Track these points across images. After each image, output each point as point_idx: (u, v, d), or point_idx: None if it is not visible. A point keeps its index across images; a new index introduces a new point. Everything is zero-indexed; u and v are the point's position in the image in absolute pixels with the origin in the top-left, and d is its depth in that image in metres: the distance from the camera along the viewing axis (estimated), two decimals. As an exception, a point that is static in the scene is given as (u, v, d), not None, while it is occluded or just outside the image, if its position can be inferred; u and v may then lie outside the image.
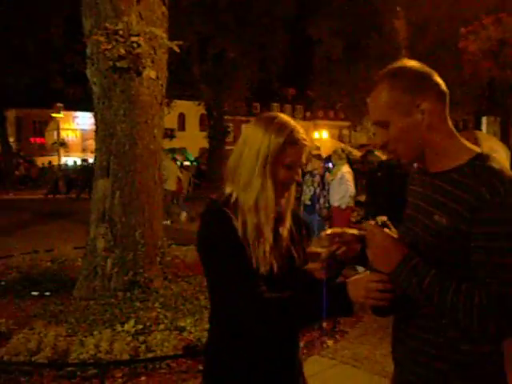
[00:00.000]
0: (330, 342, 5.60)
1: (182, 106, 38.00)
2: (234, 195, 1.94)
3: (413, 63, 1.80)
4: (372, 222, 1.79)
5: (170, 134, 39.72)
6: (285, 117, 1.97)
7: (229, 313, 1.93)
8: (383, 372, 4.84)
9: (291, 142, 1.90)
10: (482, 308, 1.57)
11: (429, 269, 1.66)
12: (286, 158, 1.90)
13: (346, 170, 9.03)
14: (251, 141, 1.92)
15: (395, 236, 1.77)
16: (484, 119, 30.70)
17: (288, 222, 2.04)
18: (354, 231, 1.98)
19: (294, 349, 2.08)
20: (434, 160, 1.78)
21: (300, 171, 1.97)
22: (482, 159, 1.70)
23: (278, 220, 2.01)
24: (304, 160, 1.96)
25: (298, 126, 1.95)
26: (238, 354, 1.96)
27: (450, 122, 1.79)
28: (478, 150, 1.75)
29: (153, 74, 6.84)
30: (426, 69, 1.78)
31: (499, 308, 1.56)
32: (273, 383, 1.99)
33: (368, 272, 1.78)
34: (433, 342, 1.75)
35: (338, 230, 1.99)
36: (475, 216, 1.61)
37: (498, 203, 1.58)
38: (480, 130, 25.28)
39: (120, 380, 4.60)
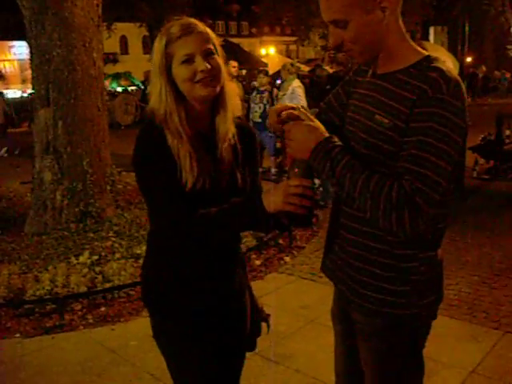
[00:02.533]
0: (287, 259, 5.67)
1: (123, 28, 36.48)
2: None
3: None
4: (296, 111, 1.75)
5: (112, 59, 38.48)
6: (178, 19, 1.83)
7: (158, 229, 1.91)
8: (341, 284, 4.94)
9: (178, 36, 1.76)
10: (388, 201, 1.53)
11: (344, 154, 1.62)
12: (179, 53, 1.76)
13: (296, 84, 8.89)
14: (152, 51, 1.83)
15: (316, 124, 1.71)
16: (431, 29, 30.57)
17: (226, 134, 1.89)
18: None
19: (231, 265, 2.04)
20: (384, 62, 1.71)
21: (205, 61, 1.77)
22: (429, 61, 1.64)
23: (214, 129, 1.89)
24: (208, 47, 1.79)
25: (189, 20, 1.81)
26: (172, 270, 1.92)
27: (402, 24, 1.70)
28: (426, 53, 1.69)
29: (87, -6, 6.44)
30: None
31: (405, 204, 1.51)
32: (213, 298, 1.95)
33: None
34: (368, 247, 1.73)
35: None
36: (414, 111, 1.56)
37: (439, 99, 1.53)
38: (428, 40, 25.19)
39: (79, 312, 4.56)
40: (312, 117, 1.75)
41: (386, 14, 1.63)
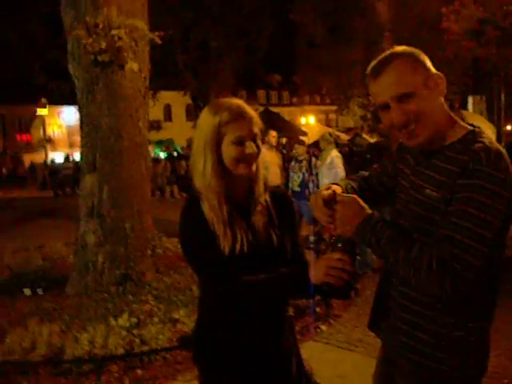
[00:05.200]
0: (323, 327, 5.64)
1: (167, 96, 37.75)
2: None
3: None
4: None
5: (156, 126, 39.55)
6: (227, 98, 2.02)
7: (206, 295, 2.09)
8: (377, 354, 4.87)
9: (231, 118, 1.93)
10: (430, 267, 1.60)
11: (386, 228, 1.73)
12: (231, 135, 1.93)
13: (334, 154, 9.00)
14: (197, 126, 2.01)
15: (361, 202, 1.81)
16: (470, 98, 30.67)
17: (258, 200, 2.06)
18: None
19: (279, 328, 2.11)
20: (434, 138, 1.79)
21: (254, 144, 1.96)
22: (473, 136, 1.74)
23: (250, 198, 2.05)
24: (256, 131, 1.97)
25: (239, 103, 1.99)
26: (222, 335, 2.03)
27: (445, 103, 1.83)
28: (471, 128, 1.79)
29: (135, 67, 6.78)
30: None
31: (446, 268, 1.59)
32: (261, 363, 2.03)
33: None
34: (419, 313, 1.81)
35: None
36: (457, 183, 1.66)
37: (479, 171, 1.62)
38: (466, 109, 25.29)
39: (116, 374, 4.60)
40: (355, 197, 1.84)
41: (440, 90, 1.76)
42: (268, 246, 2.02)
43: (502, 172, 1.63)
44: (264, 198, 2.09)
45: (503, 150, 1.68)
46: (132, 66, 6.73)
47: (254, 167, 2.01)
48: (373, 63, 1.80)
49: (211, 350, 2.08)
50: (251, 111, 2.00)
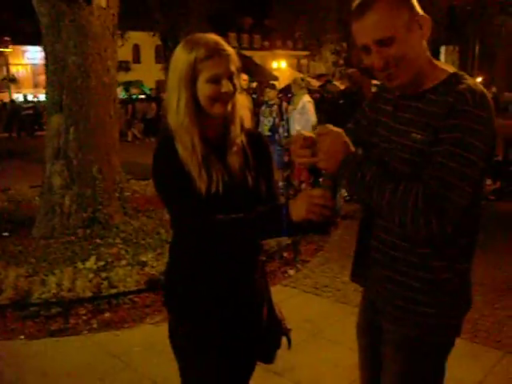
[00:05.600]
0: (291, 272, 5.69)
1: (136, 37, 36.87)
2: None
3: None
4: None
5: (124, 67, 38.67)
6: (203, 34, 1.94)
7: (180, 236, 2.04)
8: (344, 299, 4.96)
9: (208, 55, 1.85)
10: (416, 205, 1.60)
11: (372, 164, 1.72)
12: (206, 73, 1.86)
13: (306, 99, 8.94)
14: (171, 64, 1.93)
15: (346, 138, 1.78)
16: (443, 48, 30.62)
17: (234, 141, 2.01)
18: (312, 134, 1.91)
19: (251, 271, 2.11)
20: (415, 82, 1.77)
21: (230, 83, 1.89)
22: (456, 78, 1.73)
23: (225, 139, 2.01)
24: (233, 70, 1.90)
25: (217, 39, 1.92)
26: (194, 277, 2.01)
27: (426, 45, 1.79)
28: (452, 69, 1.78)
29: (103, 3, 6.54)
30: None
31: (432, 207, 1.59)
32: (234, 306, 2.03)
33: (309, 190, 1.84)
34: (404, 260, 1.81)
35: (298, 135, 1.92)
36: (442, 124, 1.65)
37: (465, 111, 1.62)
38: (438, 59, 25.25)
39: (84, 317, 4.60)
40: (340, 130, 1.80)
41: (424, 32, 1.71)
42: (243, 187, 1.99)
43: (486, 112, 1.64)
44: (240, 139, 2.04)
45: (486, 91, 1.69)
46: (100, 1, 6.49)
47: (229, 107, 1.95)
48: (357, 1, 1.73)
49: (182, 294, 2.06)
50: (229, 48, 1.93)
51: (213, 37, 1.92)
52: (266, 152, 2.16)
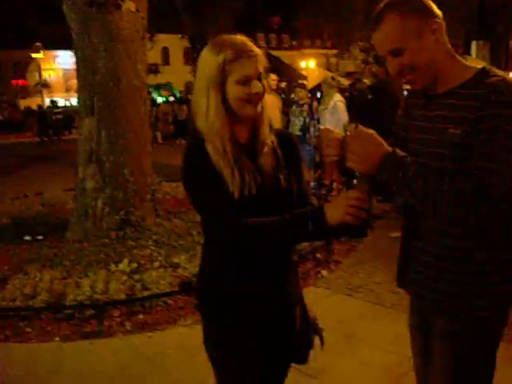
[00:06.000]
0: (324, 273, 5.64)
1: (165, 39, 37.08)
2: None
3: None
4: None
5: (154, 70, 38.96)
6: (230, 35, 1.92)
7: (212, 239, 2.01)
8: (377, 300, 4.90)
9: (236, 56, 1.84)
10: (465, 194, 1.62)
11: (413, 162, 1.71)
12: (235, 74, 1.85)
13: (337, 98, 8.84)
14: (199, 66, 1.92)
15: (379, 138, 1.78)
16: (473, 44, 30.14)
17: (264, 142, 1.99)
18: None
19: (284, 273, 2.08)
20: (441, 82, 1.81)
21: (260, 84, 1.88)
22: (485, 72, 1.75)
23: (255, 140, 1.98)
24: (260, 70, 1.88)
25: (244, 40, 1.90)
26: (227, 280, 1.99)
27: (449, 45, 1.83)
28: (480, 66, 1.79)
29: (132, 7, 6.57)
30: None
31: (481, 194, 1.61)
32: (266, 308, 2.01)
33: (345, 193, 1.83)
34: (448, 257, 1.83)
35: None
36: (479, 114, 1.66)
37: (502, 101, 1.64)
38: (469, 55, 24.89)
39: (118, 319, 4.62)
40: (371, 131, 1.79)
41: (438, 36, 1.76)
42: (276, 189, 1.96)
43: None
44: (270, 139, 2.02)
45: None
46: (129, 5, 6.52)
47: (259, 107, 1.93)
48: (375, 11, 1.81)
49: (214, 297, 2.04)
50: (256, 49, 1.91)
51: (240, 38, 1.91)
52: (296, 152, 2.13)
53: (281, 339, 2.10)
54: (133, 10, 6.62)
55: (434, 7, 1.78)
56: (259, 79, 1.89)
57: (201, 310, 2.12)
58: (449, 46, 1.82)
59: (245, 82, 1.86)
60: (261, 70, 1.89)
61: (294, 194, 2.02)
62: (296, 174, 2.06)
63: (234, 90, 1.86)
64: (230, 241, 1.89)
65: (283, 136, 2.10)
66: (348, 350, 4.01)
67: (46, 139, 25.08)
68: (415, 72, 1.78)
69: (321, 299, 4.90)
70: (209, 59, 1.88)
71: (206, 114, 1.89)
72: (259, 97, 1.90)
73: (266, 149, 1.98)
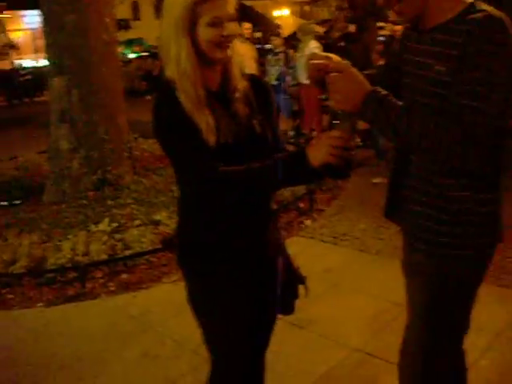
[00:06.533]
0: (307, 222, 5.60)
1: (134, -7, 36.10)
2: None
3: None
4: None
5: (124, 25, 38.09)
6: None
7: (190, 192, 1.94)
8: (363, 247, 4.89)
9: None
10: (451, 135, 1.58)
11: (396, 101, 1.66)
12: (205, 16, 1.75)
13: (314, 45, 8.67)
14: (166, 10, 1.81)
15: (361, 76, 1.71)
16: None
17: (236, 87, 1.90)
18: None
19: (265, 222, 2.03)
20: (431, 15, 1.75)
21: (231, 26, 1.79)
22: (473, 6, 1.68)
23: (226, 86, 1.90)
24: (231, 11, 1.79)
25: None
26: (207, 233, 1.93)
27: None
28: (469, 0, 1.72)
29: (97, -42, 6.29)
30: None
31: (467, 136, 1.57)
32: (248, 259, 1.97)
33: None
34: (433, 194, 1.82)
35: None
36: (464, 51, 1.61)
37: (486, 37, 1.58)
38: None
39: (101, 280, 4.56)
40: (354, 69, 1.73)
41: None
42: (250, 135, 1.88)
43: (507, 36, 1.60)
44: (242, 84, 1.93)
45: (506, 17, 1.64)
46: (94, -44, 6.22)
47: (230, 51, 1.83)
48: None
49: (195, 253, 1.98)
50: None
51: None
52: (268, 97, 2.04)
53: (265, 290, 2.05)
54: (97, -40, 6.33)
55: None
56: (231, 21, 1.79)
57: (182, 266, 2.06)
58: None
59: (216, 23, 1.76)
60: (232, 11, 1.79)
61: (268, 140, 1.94)
62: (270, 120, 1.98)
63: (205, 33, 1.76)
64: (209, 190, 1.83)
65: (255, 81, 2.01)
66: (335, 299, 3.99)
67: (15, 102, 24.45)
68: (403, 2, 1.72)
69: (305, 249, 4.87)
70: (176, 2, 1.76)
71: (177, 60, 1.77)
72: (231, 39, 1.81)
73: (238, 94, 1.89)
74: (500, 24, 1.60)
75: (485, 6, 1.67)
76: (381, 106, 1.64)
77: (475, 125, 1.57)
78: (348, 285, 4.22)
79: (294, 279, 2.17)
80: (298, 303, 2.19)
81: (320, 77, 1.77)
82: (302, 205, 5.93)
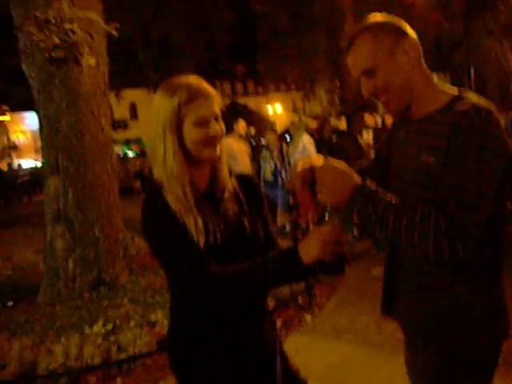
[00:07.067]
0: (307, 318, 5.46)
1: (132, 95, 37.17)
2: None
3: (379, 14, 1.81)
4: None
5: (123, 125, 39.05)
6: (182, 76, 1.84)
7: (180, 294, 1.87)
8: (366, 342, 4.73)
9: (191, 97, 1.75)
10: (438, 229, 1.53)
11: (384, 195, 1.63)
12: (192, 116, 1.76)
13: (306, 139, 8.86)
14: (153, 111, 1.82)
15: (349, 169, 1.70)
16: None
17: (225, 186, 1.89)
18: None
19: (260, 324, 1.96)
20: (418, 106, 1.76)
21: (218, 125, 1.80)
22: (461, 98, 1.69)
23: (215, 186, 1.89)
24: (216, 111, 1.81)
25: (198, 81, 1.82)
26: (200, 337, 1.85)
27: (427, 69, 1.80)
28: (456, 92, 1.74)
29: (92, 62, 6.49)
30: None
31: (454, 229, 1.52)
32: (243, 363, 1.88)
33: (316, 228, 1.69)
34: (429, 287, 1.75)
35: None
36: (450, 143, 1.59)
37: (472, 129, 1.57)
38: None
39: (94, 385, 4.37)
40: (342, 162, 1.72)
41: (411, 56, 1.72)
42: (241, 234, 1.85)
43: (494, 126, 1.60)
44: (230, 183, 1.93)
45: (492, 107, 1.65)
46: (89, 61, 6.44)
47: (218, 150, 1.84)
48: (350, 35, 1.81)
49: (187, 357, 1.89)
50: (211, 89, 1.83)
51: (193, 79, 1.83)
52: (258, 194, 2.03)
53: None
54: (93, 65, 6.54)
55: (408, 28, 1.77)
56: (216, 120, 1.81)
57: (174, 371, 1.96)
58: (425, 69, 1.79)
59: (202, 123, 1.77)
60: (217, 110, 1.81)
61: (260, 238, 1.91)
62: (260, 217, 1.96)
63: (191, 133, 1.77)
64: (199, 292, 1.75)
65: (244, 179, 2.02)
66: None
67: (14, 202, 24.58)
68: (389, 93, 1.74)
69: (306, 346, 4.72)
70: (163, 103, 1.78)
71: (164, 161, 1.78)
72: (218, 138, 1.81)
73: (227, 194, 1.89)
74: (487, 115, 1.59)
75: (472, 97, 1.68)
76: (369, 201, 1.62)
77: (465, 220, 1.54)
78: (352, 382, 4.05)
79: (294, 382, 2.06)
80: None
81: (308, 178, 1.78)
82: (301, 300, 5.79)
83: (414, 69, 1.74)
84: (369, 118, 11.27)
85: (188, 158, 1.80)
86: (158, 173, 1.81)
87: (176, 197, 1.76)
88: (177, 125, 1.76)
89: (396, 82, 1.72)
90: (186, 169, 1.79)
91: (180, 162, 1.77)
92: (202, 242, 1.74)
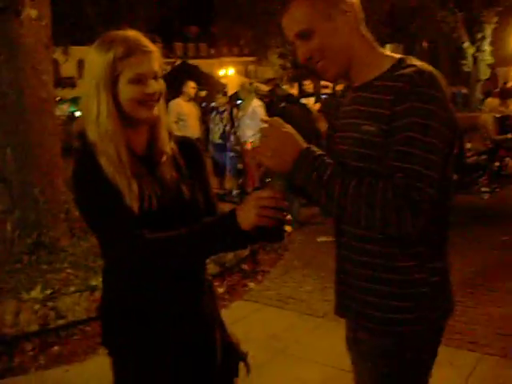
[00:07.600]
0: (252, 285, 5.44)
1: (80, 52, 35.89)
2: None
3: None
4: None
5: (70, 83, 37.94)
6: (121, 31, 1.71)
7: (112, 260, 1.77)
8: (309, 310, 4.74)
9: (128, 52, 1.63)
10: (386, 199, 1.44)
11: (330, 162, 1.54)
12: (128, 72, 1.64)
13: (256, 103, 8.76)
14: (86, 67, 1.69)
15: (294, 133, 1.61)
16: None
17: (163, 150, 1.79)
18: None
19: (198, 293, 1.88)
20: (358, 73, 1.67)
21: (156, 83, 1.69)
22: (403, 62, 1.61)
23: (152, 149, 1.78)
24: (156, 68, 1.69)
25: (137, 35, 1.71)
26: (133, 305, 1.76)
27: (369, 34, 1.69)
28: (398, 56, 1.66)
29: (34, 14, 6.12)
30: None
31: (404, 200, 1.44)
32: (179, 335, 1.79)
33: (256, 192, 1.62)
34: (371, 264, 1.66)
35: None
36: (394, 110, 1.52)
37: (415, 92, 1.50)
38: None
39: (31, 353, 4.22)
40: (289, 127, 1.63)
41: (350, 19, 1.62)
42: (178, 201, 1.76)
43: (438, 91, 1.53)
44: (169, 147, 1.81)
45: (437, 72, 1.58)
46: (30, 12, 6.07)
47: (156, 110, 1.71)
48: None
49: (121, 330, 1.80)
50: (150, 44, 1.71)
51: (132, 33, 1.70)
52: (199, 159, 1.94)
53: (201, 369, 1.86)
54: (34, 17, 6.17)
55: None
56: (155, 78, 1.68)
57: (107, 347, 1.86)
58: (366, 33, 1.69)
59: (139, 80, 1.65)
60: (157, 68, 1.69)
61: (199, 204, 1.82)
62: (201, 184, 1.87)
63: (126, 90, 1.64)
64: (130, 258, 1.65)
65: (184, 143, 1.91)
66: (282, 367, 3.80)
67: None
68: (326, 58, 1.64)
69: (249, 314, 4.69)
70: (97, 58, 1.65)
71: (97, 120, 1.65)
72: (156, 98, 1.69)
73: (164, 158, 1.77)
74: (431, 78, 1.53)
75: (415, 61, 1.61)
76: (313, 167, 1.53)
77: (409, 189, 1.45)
78: (294, 352, 4.04)
79: (233, 356, 2.00)
80: (241, 372, 2.01)
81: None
82: (245, 267, 5.75)
83: (352, 31, 1.65)
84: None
85: (124, 118, 1.68)
86: (91, 133, 1.68)
87: (109, 158, 1.65)
88: (112, 82, 1.64)
89: (333, 44, 1.63)
90: (120, 129, 1.67)
91: (114, 122, 1.66)
92: (135, 207, 1.64)
